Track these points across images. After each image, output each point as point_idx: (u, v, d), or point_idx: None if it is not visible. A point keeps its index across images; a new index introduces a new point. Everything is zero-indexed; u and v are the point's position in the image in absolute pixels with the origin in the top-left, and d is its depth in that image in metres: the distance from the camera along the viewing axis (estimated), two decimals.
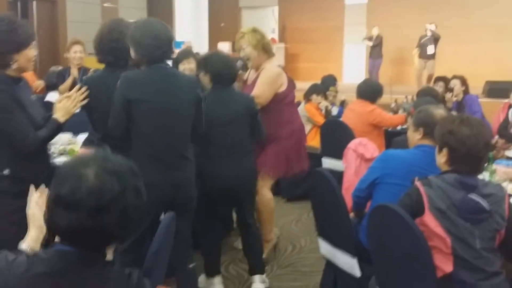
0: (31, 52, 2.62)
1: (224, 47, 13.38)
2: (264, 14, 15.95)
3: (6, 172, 2.51)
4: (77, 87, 2.82)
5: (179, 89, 2.85)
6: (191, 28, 16.52)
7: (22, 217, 1.80)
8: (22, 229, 1.74)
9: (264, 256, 3.77)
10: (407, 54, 13.12)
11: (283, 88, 3.83)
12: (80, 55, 5.25)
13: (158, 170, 2.77)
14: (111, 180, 1.31)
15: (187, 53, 4.28)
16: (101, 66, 3.15)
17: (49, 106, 3.27)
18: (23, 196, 1.85)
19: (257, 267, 3.55)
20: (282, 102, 3.84)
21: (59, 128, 2.65)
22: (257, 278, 3.53)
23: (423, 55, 11.51)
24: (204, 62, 3.53)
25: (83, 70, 5.19)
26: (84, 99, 2.80)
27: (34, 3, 13.37)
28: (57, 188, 1.33)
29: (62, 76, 5.35)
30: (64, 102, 2.68)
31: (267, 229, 3.98)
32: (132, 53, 2.86)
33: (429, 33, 11.35)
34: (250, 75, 3.99)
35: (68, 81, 5.17)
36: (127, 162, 1.40)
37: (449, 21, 12.60)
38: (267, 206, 3.90)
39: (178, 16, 16.61)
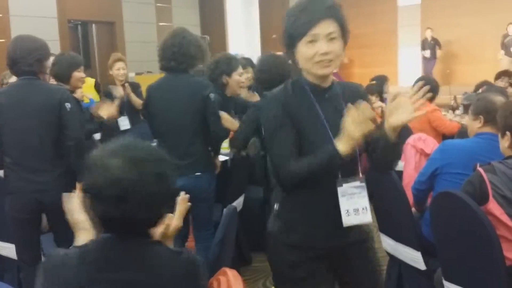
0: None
1: None
2: None
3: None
4: None
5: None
6: (243, 41, 16.77)
7: None
8: None
9: None
10: (463, 53, 12.78)
11: None
12: (124, 71, 5.35)
13: None
14: (129, 169, 1.35)
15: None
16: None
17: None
18: None
19: None
20: None
21: (334, 159, 1.67)
22: None
23: (509, 54, 11.30)
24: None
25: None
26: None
27: (94, 26, 13.99)
28: (86, 179, 1.40)
29: (109, 94, 5.24)
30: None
31: None
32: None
33: (511, 32, 11.13)
34: None
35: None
36: (150, 149, 1.43)
37: (507, 16, 12.21)
38: None
39: (231, 29, 16.91)
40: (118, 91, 5.14)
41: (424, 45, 12.57)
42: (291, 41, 1.79)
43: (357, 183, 1.78)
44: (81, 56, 3.92)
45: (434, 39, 12.33)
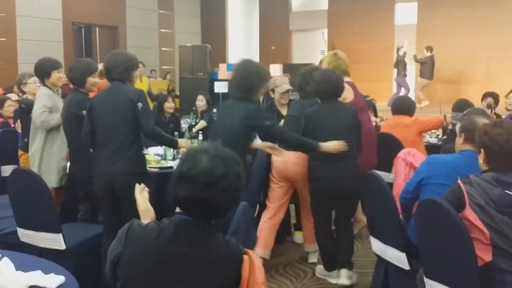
0: None
1: (275, 69, 13.82)
2: (314, 36, 16.35)
3: None
4: None
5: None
6: (243, 52, 17.10)
7: None
8: None
9: (355, 232, 4.45)
10: (455, 73, 13.19)
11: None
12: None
13: None
14: (219, 163, 1.71)
15: None
16: None
17: None
18: None
19: (344, 261, 3.91)
20: None
21: None
22: (343, 272, 3.88)
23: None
24: (306, 79, 4.12)
25: None
26: None
27: (97, 29, 14.28)
28: (180, 166, 1.75)
29: None
30: None
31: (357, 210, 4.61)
32: None
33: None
34: None
35: None
36: (232, 153, 1.79)
37: (500, 39, 12.65)
38: None
39: (231, 40, 17.26)
40: None
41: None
42: None
43: None
44: (96, 63, 4.28)
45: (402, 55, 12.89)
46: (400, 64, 12.81)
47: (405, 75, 12.83)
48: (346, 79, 4.35)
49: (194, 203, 1.72)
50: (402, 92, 12.56)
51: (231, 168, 1.72)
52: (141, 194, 2.05)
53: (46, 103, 4.26)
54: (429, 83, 12.24)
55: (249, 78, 3.64)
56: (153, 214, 1.99)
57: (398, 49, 12.93)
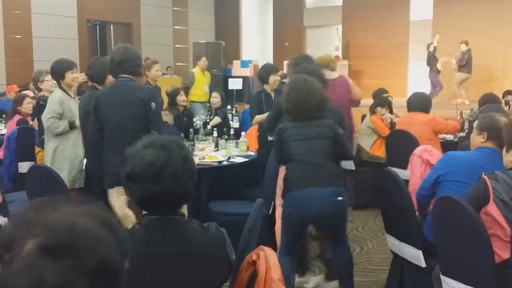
0: None
1: None
2: (328, 32, 16.26)
3: None
4: None
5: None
6: (256, 48, 17.09)
7: None
8: None
9: None
10: (474, 69, 13.04)
11: None
12: (160, 73, 5.55)
13: None
14: (159, 153, 1.68)
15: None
16: None
17: None
18: None
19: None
20: None
21: None
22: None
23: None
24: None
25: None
26: None
27: (112, 26, 14.35)
28: (125, 169, 1.73)
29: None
30: None
31: None
32: None
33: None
34: None
35: None
36: (172, 138, 1.79)
37: None
38: None
39: (245, 36, 17.24)
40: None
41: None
42: None
43: None
44: None
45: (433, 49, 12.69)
46: (432, 60, 12.59)
47: (438, 71, 12.58)
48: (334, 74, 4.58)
49: (150, 199, 1.69)
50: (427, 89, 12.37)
51: (173, 152, 1.69)
52: (118, 199, 1.92)
53: (56, 108, 4.27)
54: (469, 77, 12.04)
55: (322, 101, 3.28)
56: (133, 218, 1.92)
57: (428, 46, 12.74)
